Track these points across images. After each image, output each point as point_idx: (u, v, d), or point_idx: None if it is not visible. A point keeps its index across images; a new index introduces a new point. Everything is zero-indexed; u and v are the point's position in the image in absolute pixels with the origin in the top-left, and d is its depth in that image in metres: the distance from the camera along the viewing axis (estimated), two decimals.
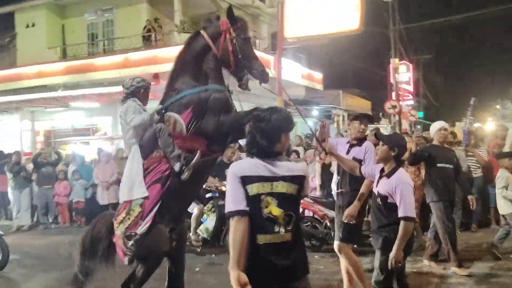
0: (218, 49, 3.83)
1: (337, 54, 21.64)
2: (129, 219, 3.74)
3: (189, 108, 3.75)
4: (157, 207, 3.71)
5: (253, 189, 2.36)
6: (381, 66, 22.90)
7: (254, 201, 2.35)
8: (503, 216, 6.10)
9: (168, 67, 14.68)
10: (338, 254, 4.51)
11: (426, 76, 30.07)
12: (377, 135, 3.82)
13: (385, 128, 18.06)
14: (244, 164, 2.45)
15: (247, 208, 2.34)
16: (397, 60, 18.14)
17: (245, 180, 2.37)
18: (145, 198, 3.71)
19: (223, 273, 5.66)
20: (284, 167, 2.43)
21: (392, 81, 18.92)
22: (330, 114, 19.22)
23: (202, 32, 3.93)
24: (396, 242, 3.33)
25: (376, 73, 24.36)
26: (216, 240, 6.94)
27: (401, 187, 3.36)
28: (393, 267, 3.36)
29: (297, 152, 7.69)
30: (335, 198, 4.86)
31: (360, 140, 4.48)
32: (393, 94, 18.81)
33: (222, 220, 6.52)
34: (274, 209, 2.35)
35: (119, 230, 3.77)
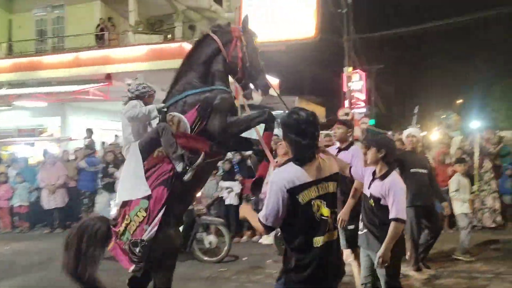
0: (228, 54, 3.87)
1: (294, 61, 21.94)
2: (133, 225, 3.54)
3: (194, 108, 3.69)
4: (163, 210, 3.52)
5: (304, 197, 2.39)
6: (336, 74, 23.47)
7: (306, 207, 2.39)
8: (456, 216, 6.41)
9: (122, 67, 14.27)
10: (351, 262, 4.50)
11: (378, 85, 31.19)
12: (366, 139, 3.86)
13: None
14: (290, 175, 2.42)
15: (274, 226, 2.45)
16: (350, 68, 18.63)
17: (295, 191, 2.38)
18: (149, 200, 3.54)
19: (189, 279, 5.69)
20: (322, 168, 2.48)
21: (345, 89, 19.41)
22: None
23: (213, 35, 3.94)
24: (385, 241, 3.40)
25: (331, 81, 24.93)
26: (183, 247, 6.79)
27: (395, 190, 3.44)
28: (379, 266, 3.42)
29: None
30: None
31: (347, 145, 4.60)
32: (346, 101, 19.31)
33: (190, 227, 6.38)
34: (325, 210, 2.44)
35: (124, 237, 3.56)
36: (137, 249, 3.48)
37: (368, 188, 3.67)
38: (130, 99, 4.01)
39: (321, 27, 12.88)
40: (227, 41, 3.90)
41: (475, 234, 6.68)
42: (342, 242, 4.37)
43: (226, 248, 6.41)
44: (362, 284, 3.94)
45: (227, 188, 7.76)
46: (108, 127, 18.07)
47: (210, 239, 6.44)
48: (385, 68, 28.58)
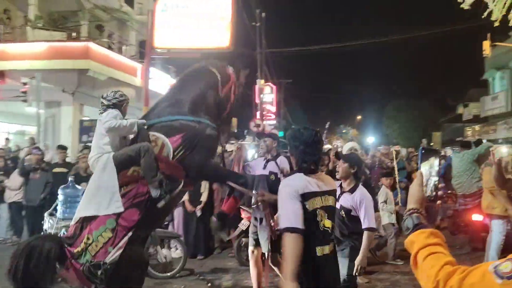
0: (222, 92, 3.97)
1: None
2: (96, 246, 3.21)
3: (180, 134, 3.58)
4: (130, 233, 3.25)
5: (311, 204, 2.47)
6: (248, 86, 23.88)
7: (312, 215, 2.47)
8: (383, 226, 6.80)
9: (18, 65, 12.89)
10: (272, 265, 4.53)
11: (287, 99, 32.42)
12: (338, 154, 4.26)
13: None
14: (301, 182, 2.51)
15: (303, 227, 2.40)
16: (262, 81, 19.12)
17: (305, 197, 2.46)
18: (117, 220, 3.25)
19: None
20: (325, 182, 2.61)
21: (257, 101, 19.82)
22: None
23: (215, 70, 4.02)
24: (362, 249, 3.70)
25: (243, 92, 25.29)
26: None
27: (365, 202, 3.75)
28: (358, 272, 3.70)
29: None
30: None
31: (275, 156, 4.76)
32: (258, 113, 19.71)
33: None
34: (327, 222, 2.54)
35: (83, 259, 3.21)
36: (99, 272, 3.16)
37: (338, 200, 3.87)
38: (107, 107, 3.72)
39: (235, 39, 12.98)
40: (224, 81, 4.04)
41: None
42: (264, 244, 4.60)
43: (180, 263, 5.99)
44: None
45: None
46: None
47: (164, 254, 5.89)
48: (293, 83, 29.82)
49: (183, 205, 6.88)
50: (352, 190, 3.85)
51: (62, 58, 12.33)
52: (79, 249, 3.25)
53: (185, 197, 6.61)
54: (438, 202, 8.93)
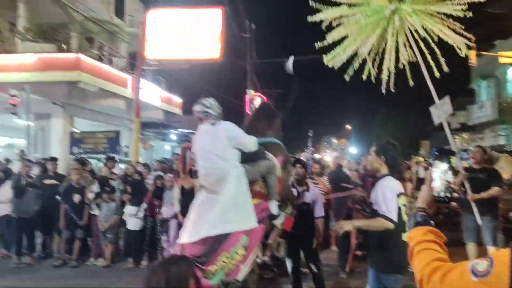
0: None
1: (198, 81, 21.96)
2: (231, 263, 3.05)
3: (281, 158, 3.78)
4: (257, 248, 3.27)
5: (400, 201, 3.22)
6: (238, 96, 23.93)
7: (399, 210, 3.19)
8: None
9: (7, 76, 12.78)
10: None
11: (276, 109, 32.55)
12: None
13: None
14: (397, 184, 3.29)
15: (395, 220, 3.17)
16: (252, 91, 19.19)
17: (399, 195, 3.22)
18: (249, 236, 3.18)
19: None
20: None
21: (248, 110, 19.88)
22: (188, 139, 19.20)
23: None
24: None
25: (234, 102, 25.35)
26: None
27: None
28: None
29: (160, 177, 7.32)
30: None
31: None
32: None
33: None
34: (405, 216, 3.23)
35: (215, 278, 2.91)
36: None
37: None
38: (215, 118, 3.50)
39: (225, 50, 13.09)
40: None
41: None
42: None
43: None
44: None
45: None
46: None
47: None
48: (283, 93, 29.99)
49: (176, 217, 6.85)
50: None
51: (52, 70, 12.30)
52: (215, 267, 2.99)
53: (177, 208, 6.60)
54: (454, 204, 8.98)
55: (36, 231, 7.55)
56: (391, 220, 3.13)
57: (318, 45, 3.41)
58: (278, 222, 3.57)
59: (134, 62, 15.14)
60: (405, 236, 3.06)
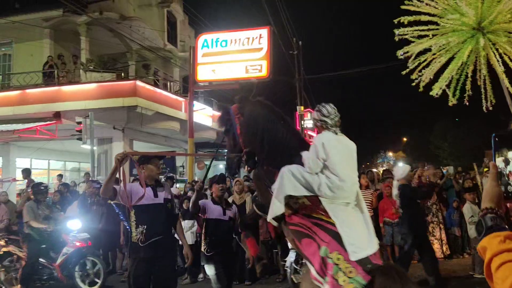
0: None
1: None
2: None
3: None
4: None
5: None
6: (288, 113, 24.06)
7: None
8: (472, 239, 7.25)
9: (72, 105, 13.69)
10: None
11: None
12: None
13: None
14: None
15: None
16: (302, 107, 19.24)
17: None
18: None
19: None
20: None
21: (298, 127, 19.90)
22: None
23: None
24: None
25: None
26: None
27: None
28: None
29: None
30: None
31: None
32: None
33: None
34: None
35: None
36: None
37: None
38: (331, 126, 3.32)
39: (273, 68, 13.32)
40: None
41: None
42: None
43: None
44: None
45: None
46: (56, 167, 17.31)
47: None
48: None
49: None
50: None
51: (112, 97, 13.09)
52: None
53: None
54: None
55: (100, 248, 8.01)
56: None
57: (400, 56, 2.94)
58: None
59: (187, 85, 15.77)
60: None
